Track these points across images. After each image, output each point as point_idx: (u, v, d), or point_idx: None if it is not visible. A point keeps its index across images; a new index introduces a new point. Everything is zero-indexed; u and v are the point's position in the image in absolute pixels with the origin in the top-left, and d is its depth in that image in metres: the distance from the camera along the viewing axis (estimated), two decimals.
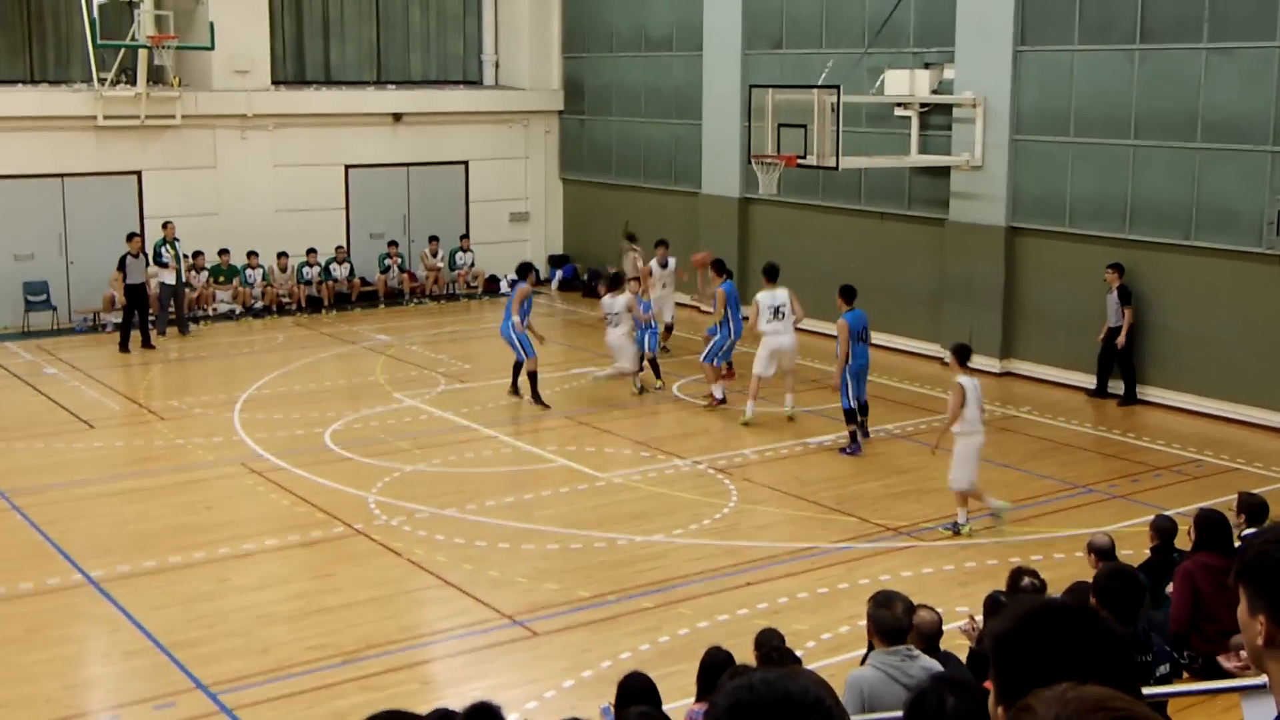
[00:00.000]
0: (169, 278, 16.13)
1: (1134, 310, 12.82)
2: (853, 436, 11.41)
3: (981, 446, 9.27)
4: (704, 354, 13.04)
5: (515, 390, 13.19)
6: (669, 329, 15.22)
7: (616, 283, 13.49)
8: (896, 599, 4.86)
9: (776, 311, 12.17)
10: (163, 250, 16.01)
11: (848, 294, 11.53)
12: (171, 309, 16.37)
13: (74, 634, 7.79)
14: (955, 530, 9.29)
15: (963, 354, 9.28)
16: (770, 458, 11.36)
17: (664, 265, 15.13)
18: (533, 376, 12.91)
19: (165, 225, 16.26)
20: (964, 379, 9.11)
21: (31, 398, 13.41)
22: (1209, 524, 6.61)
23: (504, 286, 20.09)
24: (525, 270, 13.34)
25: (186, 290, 16.76)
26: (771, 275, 12.35)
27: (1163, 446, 11.63)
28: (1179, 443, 11.72)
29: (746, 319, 12.86)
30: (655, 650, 7.36)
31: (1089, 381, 13.53)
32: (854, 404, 11.34)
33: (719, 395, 12.85)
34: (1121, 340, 12.88)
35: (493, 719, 4.03)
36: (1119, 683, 1.64)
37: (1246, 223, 12.15)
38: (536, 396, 12.90)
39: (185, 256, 16.74)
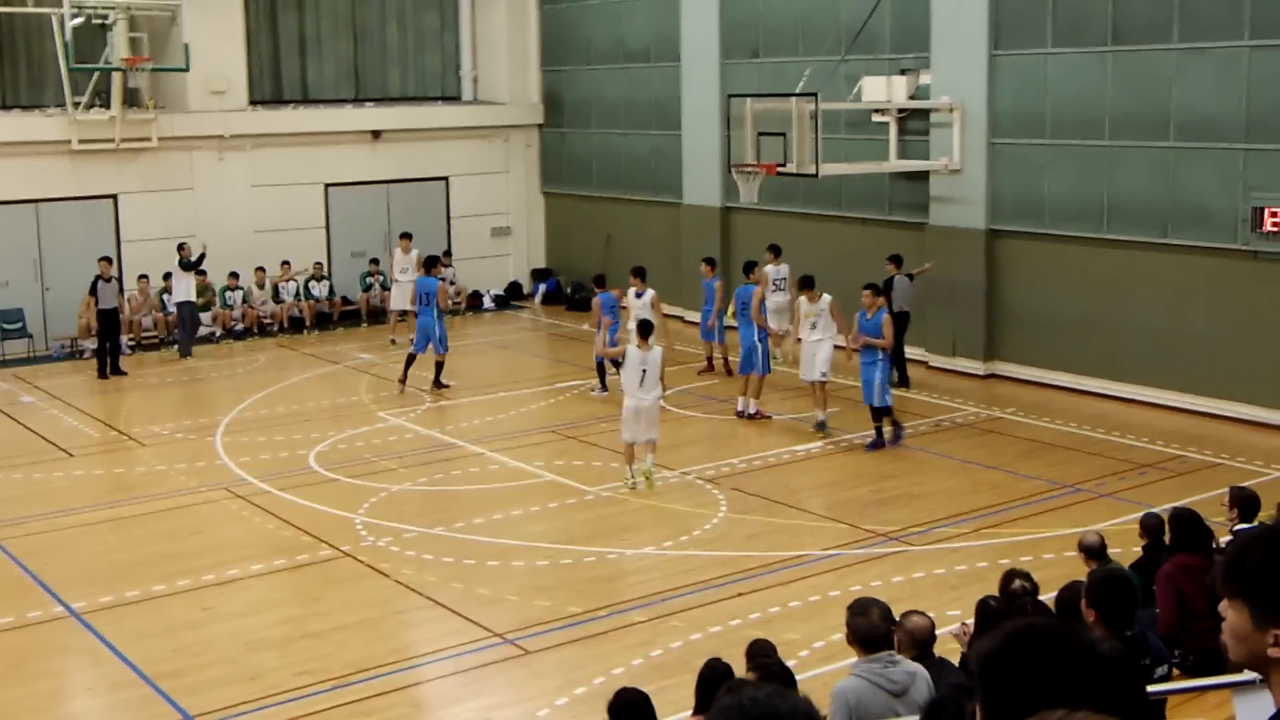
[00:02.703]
0: (187, 295, 16.10)
1: (887, 300, 13.40)
2: (879, 432, 11.78)
3: (639, 410, 10.44)
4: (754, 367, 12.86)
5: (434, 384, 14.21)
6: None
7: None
8: (873, 606, 4.82)
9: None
10: (188, 264, 16.06)
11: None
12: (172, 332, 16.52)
13: (56, 668, 7.67)
14: (637, 483, 10.46)
15: (642, 330, 10.80)
16: (758, 466, 11.33)
17: (639, 296, 13.69)
18: (439, 366, 14.26)
19: (181, 246, 16.20)
20: (631, 348, 10.68)
21: (8, 427, 13.25)
22: (1182, 523, 6.63)
23: (487, 301, 20.07)
24: (431, 263, 14.71)
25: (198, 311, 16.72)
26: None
27: (1146, 444, 11.68)
28: (1162, 439, 11.77)
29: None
30: (648, 664, 7.31)
31: (1073, 381, 13.60)
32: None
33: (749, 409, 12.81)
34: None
35: None
36: (1106, 702, 1.63)
37: (1222, 220, 12.25)
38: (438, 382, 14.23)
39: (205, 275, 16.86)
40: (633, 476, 10.56)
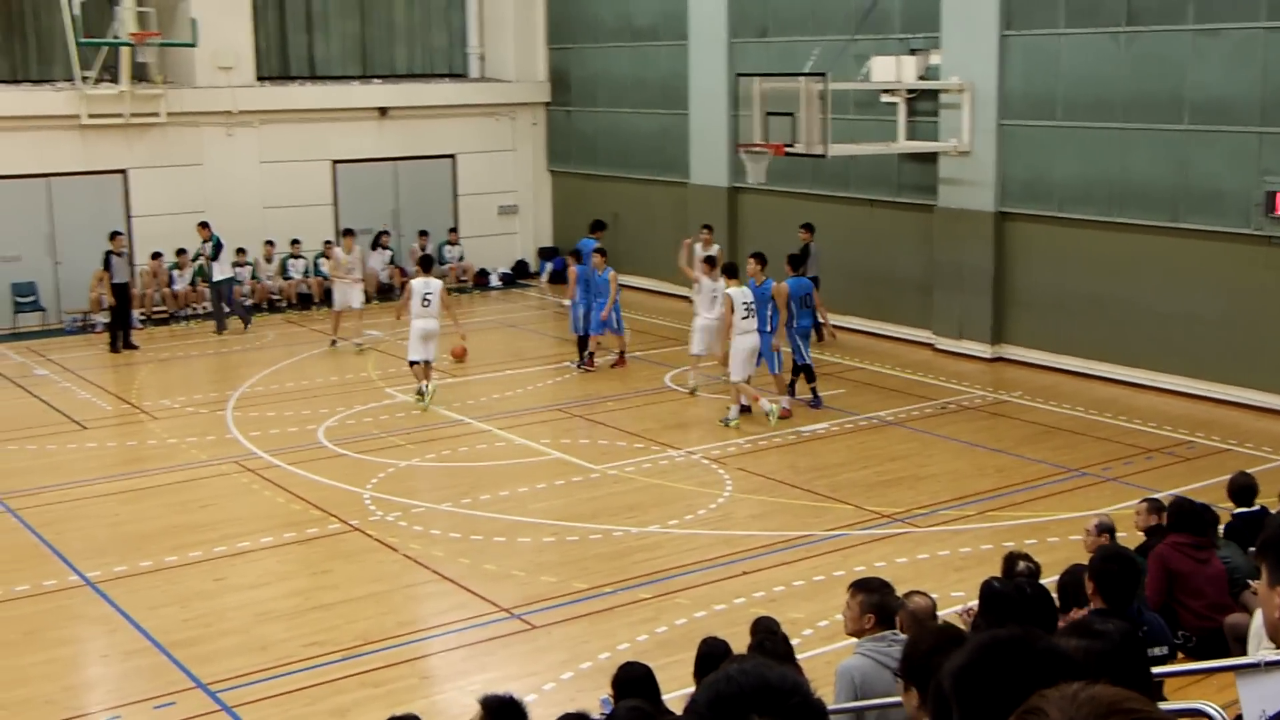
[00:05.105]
0: (220, 273, 16.18)
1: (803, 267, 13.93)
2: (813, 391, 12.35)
3: (707, 327, 12.37)
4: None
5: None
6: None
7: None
8: (876, 585, 4.89)
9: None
10: (205, 248, 16.11)
11: (794, 261, 12.63)
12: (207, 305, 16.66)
13: (72, 635, 7.78)
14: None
15: (710, 261, 12.17)
16: (764, 447, 11.39)
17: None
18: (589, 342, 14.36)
19: (202, 225, 16.20)
20: (704, 279, 12.22)
21: (22, 399, 13.35)
22: (1180, 510, 6.77)
23: (494, 280, 20.08)
24: (596, 227, 15.15)
25: (235, 286, 16.66)
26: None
27: (1154, 429, 11.69)
28: (1170, 424, 11.78)
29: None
30: (653, 641, 7.39)
31: (1081, 365, 13.61)
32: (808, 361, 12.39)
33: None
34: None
35: (517, 714, 4.02)
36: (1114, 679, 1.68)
37: (1234, 204, 12.17)
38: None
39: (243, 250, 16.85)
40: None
